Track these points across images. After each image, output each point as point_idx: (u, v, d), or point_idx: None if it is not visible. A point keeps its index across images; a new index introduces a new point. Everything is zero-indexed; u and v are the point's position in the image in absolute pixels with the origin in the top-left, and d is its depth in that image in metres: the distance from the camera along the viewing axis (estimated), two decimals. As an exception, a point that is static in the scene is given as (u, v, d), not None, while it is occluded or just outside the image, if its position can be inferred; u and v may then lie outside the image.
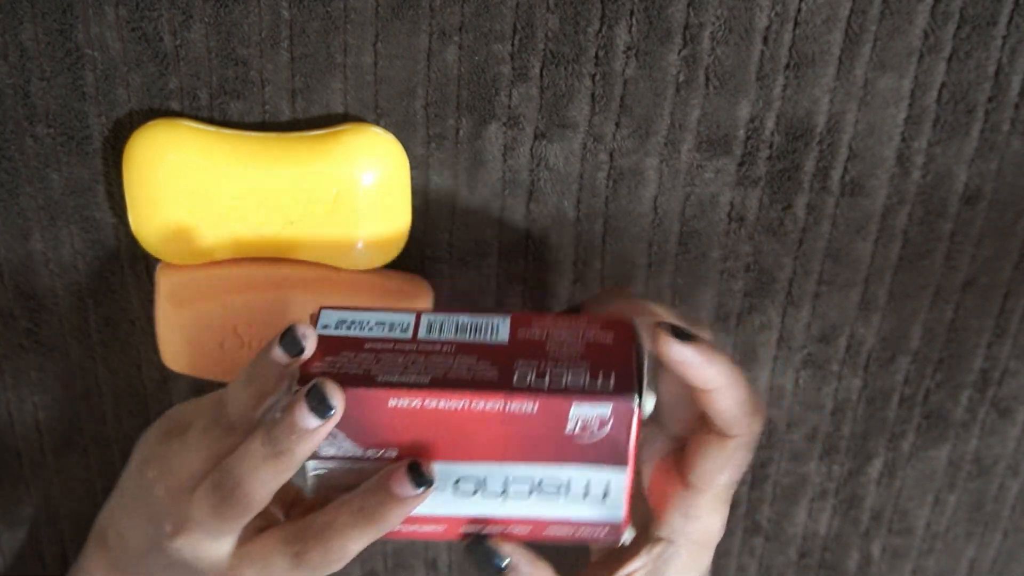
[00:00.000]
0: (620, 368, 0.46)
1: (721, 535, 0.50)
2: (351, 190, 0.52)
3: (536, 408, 0.45)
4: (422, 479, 0.45)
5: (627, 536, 0.49)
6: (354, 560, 0.68)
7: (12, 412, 0.62)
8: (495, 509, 0.48)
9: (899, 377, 0.62)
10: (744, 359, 0.61)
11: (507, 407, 0.45)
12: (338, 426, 0.45)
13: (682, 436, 0.50)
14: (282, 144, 0.52)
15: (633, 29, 0.51)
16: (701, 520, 0.49)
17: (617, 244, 0.57)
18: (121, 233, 0.56)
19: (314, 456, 0.46)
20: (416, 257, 0.57)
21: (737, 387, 0.46)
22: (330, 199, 0.52)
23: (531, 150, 0.54)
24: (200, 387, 0.61)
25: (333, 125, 0.53)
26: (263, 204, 0.53)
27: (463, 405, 0.45)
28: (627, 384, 0.45)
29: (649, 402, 0.46)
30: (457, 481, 0.47)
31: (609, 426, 0.45)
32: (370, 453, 0.46)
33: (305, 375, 0.45)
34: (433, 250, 0.57)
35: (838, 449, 0.65)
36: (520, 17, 0.51)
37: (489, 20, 0.51)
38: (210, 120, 0.53)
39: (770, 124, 0.54)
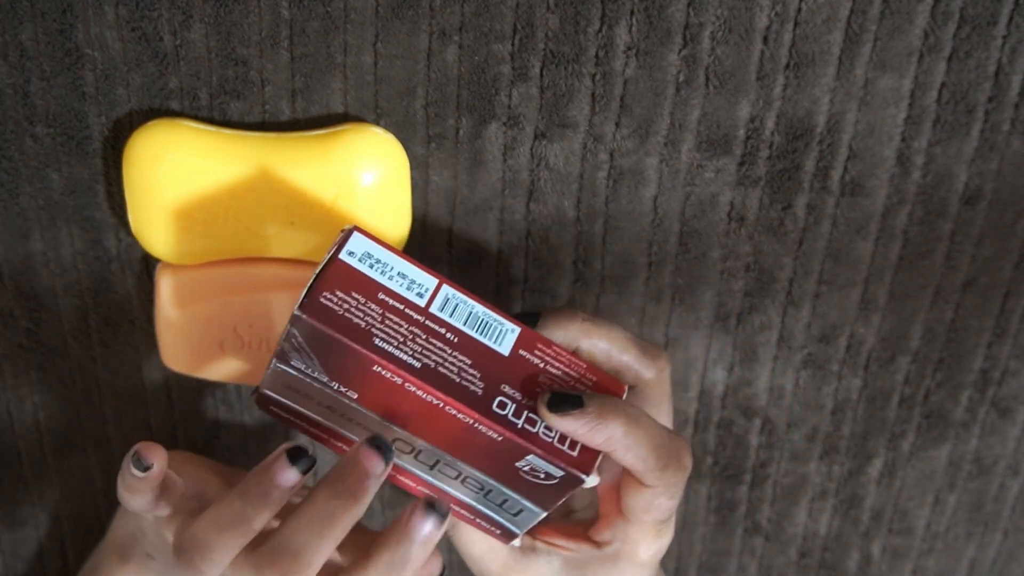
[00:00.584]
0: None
1: (659, 557, 0.51)
2: (351, 190, 0.52)
3: (500, 439, 0.46)
4: (388, 453, 0.46)
5: (517, 542, 0.52)
6: (354, 560, 0.68)
7: (12, 412, 0.62)
8: (417, 471, 0.50)
9: (899, 377, 0.62)
10: (744, 359, 0.61)
11: (476, 425, 0.46)
12: (315, 352, 0.45)
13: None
14: (282, 144, 0.52)
15: (633, 29, 0.51)
16: (633, 544, 0.50)
17: (617, 244, 0.57)
18: (121, 233, 0.56)
19: (283, 360, 0.46)
20: (416, 257, 0.57)
21: (637, 447, 0.47)
22: (330, 199, 0.52)
23: (531, 150, 0.54)
24: (200, 387, 0.61)
25: (333, 125, 0.53)
26: (263, 204, 0.53)
27: (438, 403, 0.46)
28: (588, 461, 0.47)
29: (594, 479, 0.48)
30: (395, 440, 0.48)
31: (553, 482, 0.47)
32: (333, 385, 0.46)
33: (310, 304, 0.45)
34: (433, 250, 0.57)
35: (838, 449, 0.65)
36: (520, 17, 0.51)
37: (489, 20, 0.51)
38: (210, 120, 0.53)
39: (770, 124, 0.54)
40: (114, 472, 0.64)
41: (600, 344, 0.50)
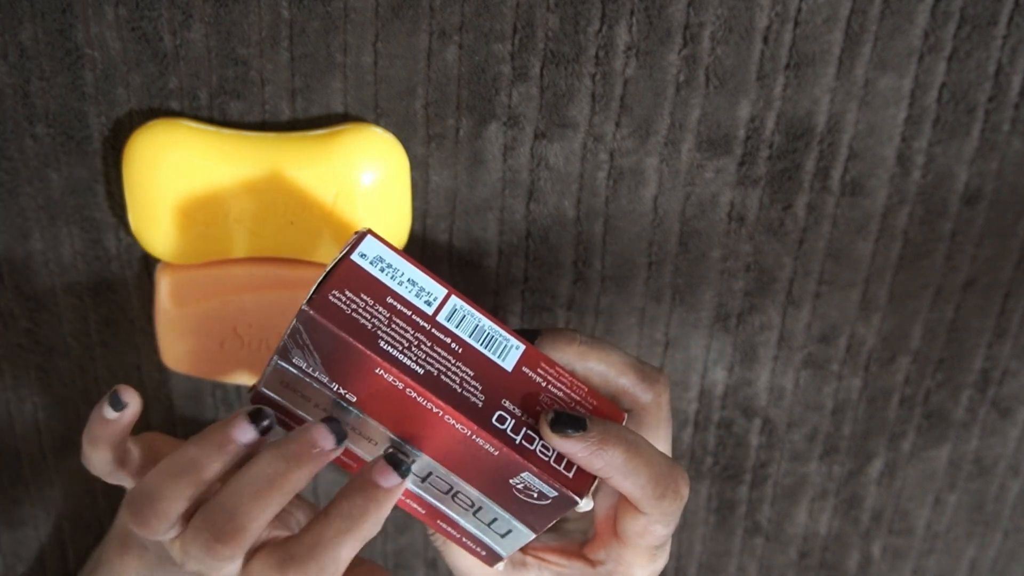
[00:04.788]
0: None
1: None
2: (351, 190, 0.52)
3: (497, 453, 0.46)
4: (402, 466, 0.46)
5: (501, 565, 0.51)
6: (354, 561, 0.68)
7: (12, 412, 0.62)
8: (407, 484, 0.50)
9: (899, 377, 0.62)
10: (744, 359, 0.61)
11: (473, 437, 0.46)
12: (318, 350, 0.45)
13: None
14: (282, 144, 0.52)
15: (633, 29, 0.51)
16: (627, 567, 0.50)
17: (617, 244, 0.57)
18: (121, 233, 0.56)
19: (284, 357, 0.46)
20: (416, 257, 0.57)
21: (635, 475, 0.47)
22: (330, 199, 0.52)
23: (531, 150, 0.54)
24: (200, 387, 0.61)
25: (333, 125, 0.53)
26: (263, 204, 0.53)
27: (438, 412, 0.46)
28: (583, 484, 0.47)
29: (588, 503, 0.47)
30: (387, 450, 0.48)
31: (547, 502, 0.47)
32: (333, 386, 0.46)
33: (319, 301, 0.45)
34: (433, 250, 0.57)
35: (838, 449, 0.65)
36: (520, 17, 0.51)
37: (489, 20, 0.51)
38: (210, 120, 0.53)
39: (770, 124, 0.54)
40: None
41: (597, 367, 0.50)
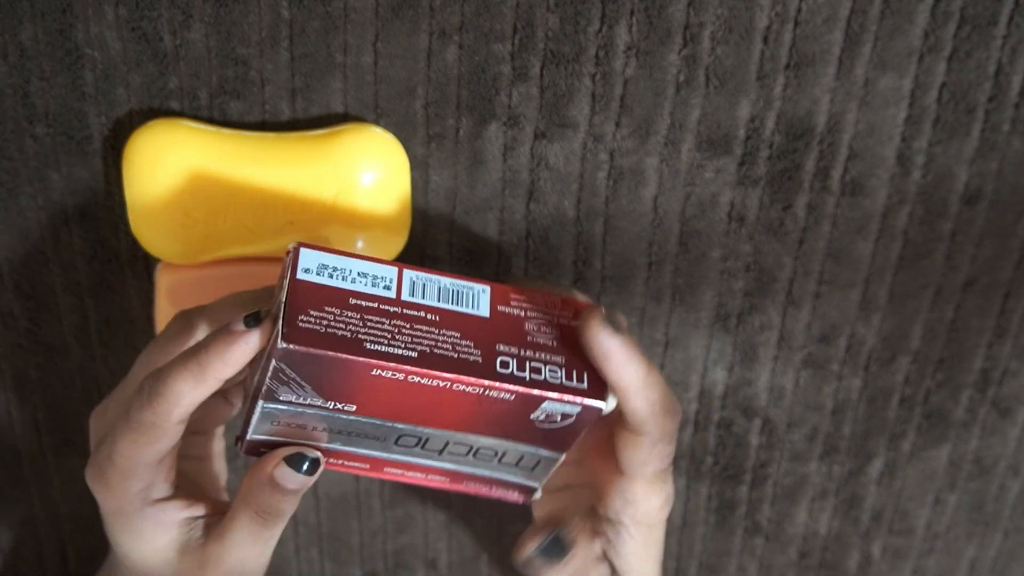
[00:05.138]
0: (592, 368, 0.47)
1: (665, 512, 0.52)
2: (351, 190, 0.52)
3: (513, 398, 0.46)
4: (254, 321, 0.45)
5: (537, 494, 0.52)
6: (354, 561, 0.68)
7: (12, 412, 0.62)
8: (424, 460, 0.49)
9: (899, 377, 0.62)
10: (744, 359, 0.61)
11: (486, 393, 0.46)
12: (305, 378, 0.45)
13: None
14: (282, 144, 0.52)
15: (633, 29, 0.51)
16: (639, 504, 0.51)
17: (617, 244, 0.57)
18: (121, 233, 0.56)
19: (270, 398, 0.45)
20: (416, 257, 0.57)
21: (651, 389, 0.47)
22: (330, 199, 0.52)
23: (531, 150, 0.54)
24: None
25: (333, 125, 0.53)
26: (263, 204, 0.53)
27: (445, 385, 0.45)
28: (599, 387, 0.47)
29: (612, 402, 0.48)
30: (399, 438, 0.48)
31: (571, 420, 0.47)
32: (329, 404, 0.46)
33: (292, 332, 0.43)
34: (433, 250, 0.57)
35: (838, 449, 0.65)
36: (520, 17, 0.51)
37: (489, 20, 0.51)
38: (210, 120, 0.53)
39: (770, 124, 0.54)
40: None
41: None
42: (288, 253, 0.46)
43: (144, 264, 0.57)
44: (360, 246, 0.54)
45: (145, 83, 0.52)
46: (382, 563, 0.68)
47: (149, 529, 0.50)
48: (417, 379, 0.45)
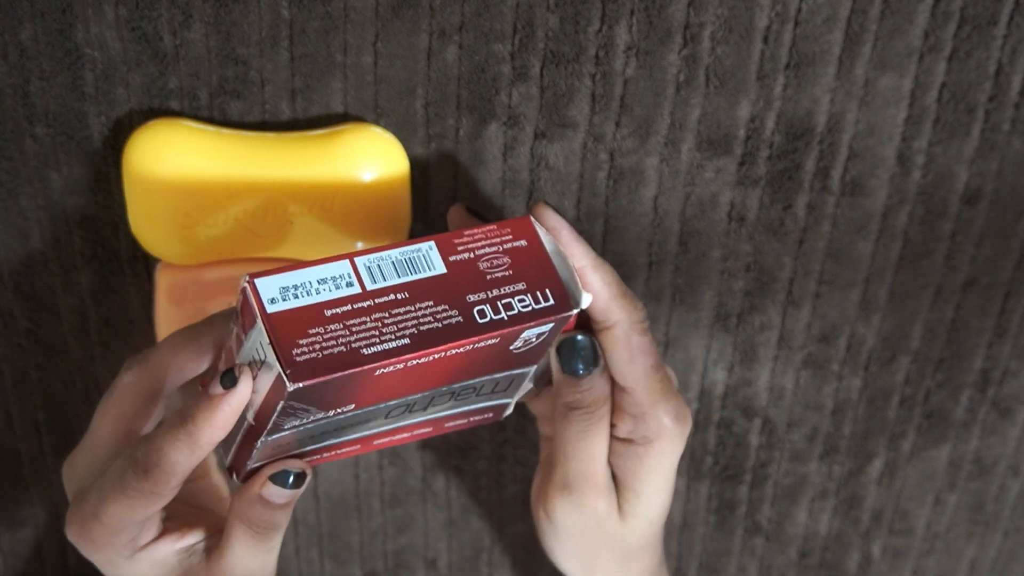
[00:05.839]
0: (551, 281, 0.48)
1: (681, 422, 0.51)
2: (351, 190, 0.52)
3: (498, 340, 0.46)
4: (231, 381, 0.45)
5: (510, 410, 0.52)
6: (354, 560, 0.68)
7: (12, 412, 0.62)
8: (411, 421, 0.50)
9: (899, 377, 0.62)
10: (744, 359, 0.61)
11: (475, 347, 0.46)
12: (312, 404, 0.45)
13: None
14: (282, 144, 0.52)
15: (633, 29, 0.51)
16: (647, 420, 0.51)
17: (617, 244, 0.57)
18: (121, 233, 0.56)
19: (275, 431, 0.45)
20: (416, 257, 0.57)
21: (603, 269, 0.49)
22: (330, 199, 0.52)
23: (531, 150, 0.54)
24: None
25: (333, 125, 0.53)
26: (263, 204, 0.53)
27: (439, 356, 0.46)
28: (563, 299, 0.47)
29: (586, 298, 0.48)
30: (389, 412, 0.48)
31: (546, 334, 0.48)
32: (331, 413, 0.46)
33: (295, 371, 0.43)
34: (433, 250, 0.57)
35: (838, 449, 0.65)
36: (520, 17, 0.51)
37: (489, 20, 0.51)
38: (210, 120, 0.53)
39: (770, 124, 0.54)
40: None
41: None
42: (243, 289, 0.44)
43: (144, 264, 0.57)
44: (360, 246, 0.54)
45: (145, 83, 0.52)
46: (382, 563, 0.68)
47: (144, 570, 0.50)
48: (415, 361, 0.45)
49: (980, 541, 0.70)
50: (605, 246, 0.57)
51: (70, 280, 0.58)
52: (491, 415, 0.52)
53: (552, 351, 0.51)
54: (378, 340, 0.45)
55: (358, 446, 0.50)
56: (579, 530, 0.53)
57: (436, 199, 0.56)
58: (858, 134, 0.54)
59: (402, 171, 0.53)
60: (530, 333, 0.47)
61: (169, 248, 0.54)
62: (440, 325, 0.46)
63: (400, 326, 0.45)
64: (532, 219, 0.49)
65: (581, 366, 0.50)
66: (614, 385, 0.51)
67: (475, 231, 0.48)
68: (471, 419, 0.52)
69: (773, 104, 0.53)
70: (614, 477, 0.53)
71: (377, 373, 0.45)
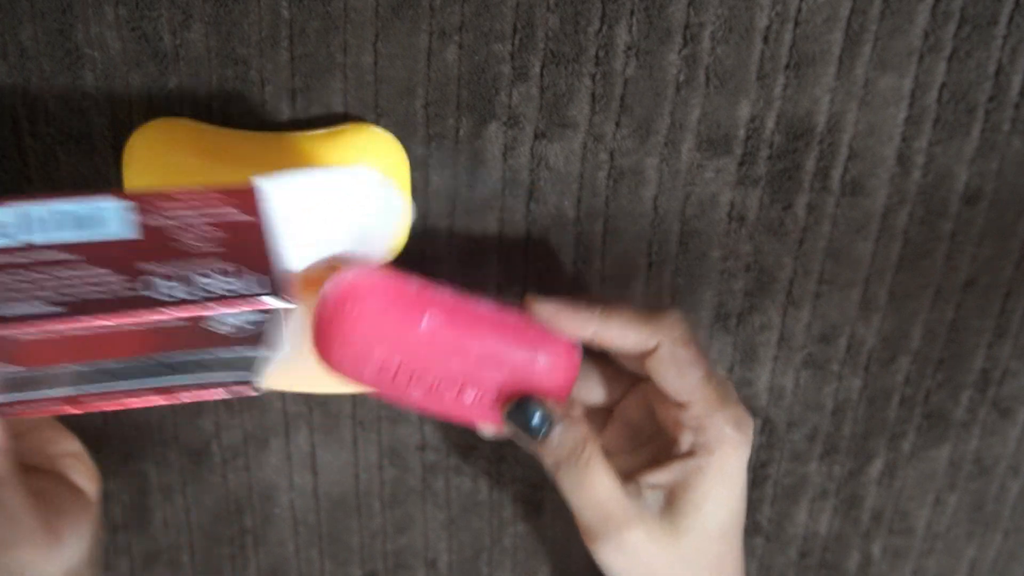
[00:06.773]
0: (260, 265, 0.43)
1: (742, 433, 0.51)
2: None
3: (180, 319, 0.42)
4: None
5: (262, 388, 0.47)
6: (354, 560, 0.68)
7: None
8: (129, 386, 0.45)
9: (899, 377, 0.62)
10: (744, 359, 0.61)
11: (150, 321, 0.41)
12: None
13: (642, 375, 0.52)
14: (282, 144, 0.52)
15: (633, 29, 0.51)
16: (707, 430, 0.51)
17: (617, 244, 0.57)
18: (121, 233, 0.56)
19: None
20: (416, 257, 0.57)
21: (615, 317, 0.50)
22: (330, 199, 0.52)
23: (531, 150, 0.54)
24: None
25: (333, 125, 0.53)
26: (263, 204, 0.53)
27: (107, 328, 0.41)
28: (268, 287, 0.42)
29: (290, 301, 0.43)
30: (88, 376, 0.44)
31: (262, 322, 0.43)
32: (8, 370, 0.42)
33: None
34: (433, 250, 0.57)
35: (838, 449, 0.65)
36: (520, 17, 0.51)
37: (489, 20, 0.51)
38: (210, 120, 0.53)
39: (770, 124, 0.54)
40: (111, 472, 0.64)
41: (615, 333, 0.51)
42: None
43: (144, 264, 0.57)
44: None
45: (145, 83, 0.52)
46: (382, 563, 0.68)
47: None
48: (74, 332, 0.40)
49: (980, 541, 0.70)
50: (605, 246, 0.57)
51: (70, 280, 0.58)
52: (236, 389, 0.47)
53: (505, 422, 0.51)
54: (25, 302, 0.40)
55: (67, 405, 0.45)
56: (632, 563, 0.52)
57: (436, 199, 0.56)
58: (858, 134, 0.54)
59: (402, 171, 0.53)
60: (232, 318, 0.42)
61: (169, 248, 0.54)
62: (107, 296, 0.41)
63: (57, 290, 0.41)
64: (255, 191, 0.44)
65: (541, 425, 0.50)
66: (670, 403, 0.51)
67: (192, 193, 0.43)
68: (212, 391, 0.46)
69: (773, 104, 0.53)
70: (673, 494, 0.52)
71: (25, 339, 0.40)
